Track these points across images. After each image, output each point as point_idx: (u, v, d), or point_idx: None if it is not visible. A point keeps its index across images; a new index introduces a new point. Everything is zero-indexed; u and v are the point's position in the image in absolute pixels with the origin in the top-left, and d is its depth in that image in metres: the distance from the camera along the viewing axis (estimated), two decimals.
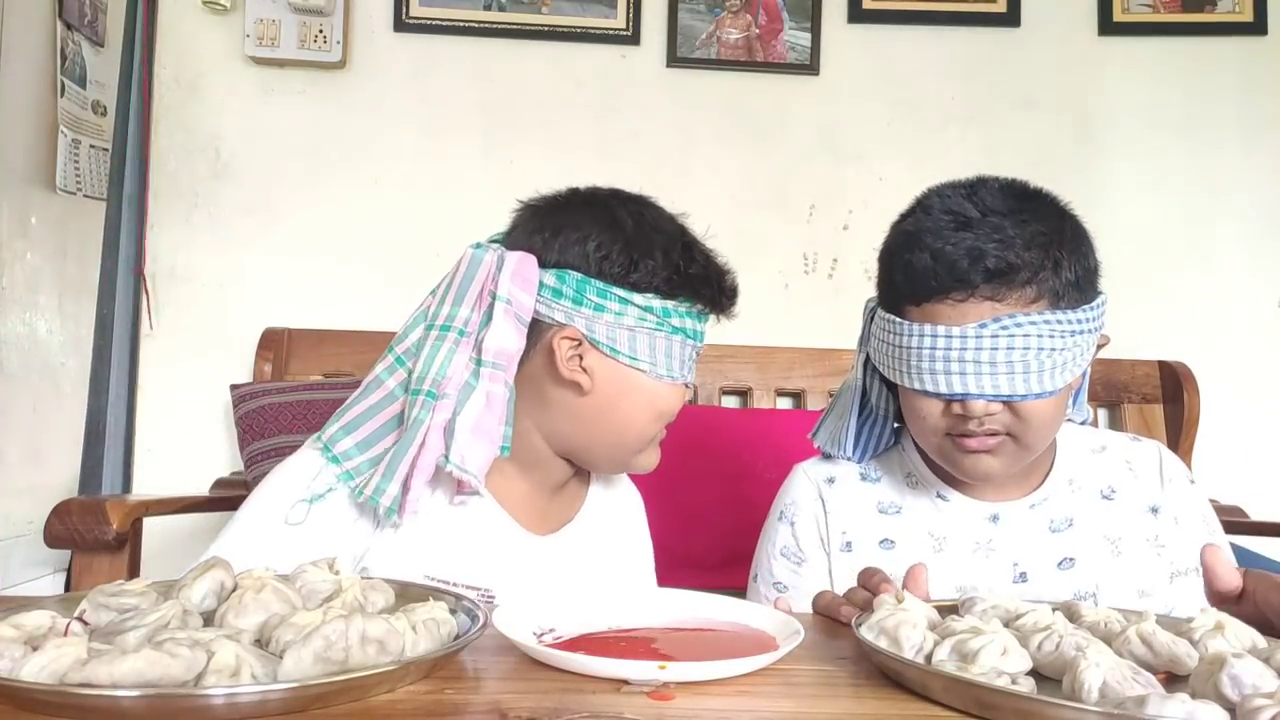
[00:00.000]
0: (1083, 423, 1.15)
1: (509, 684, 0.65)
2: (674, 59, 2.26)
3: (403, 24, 2.23)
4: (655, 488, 1.22)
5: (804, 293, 2.26)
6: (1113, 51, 2.30)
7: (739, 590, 1.17)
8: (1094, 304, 0.99)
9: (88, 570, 1.49)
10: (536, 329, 1.00)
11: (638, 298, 0.99)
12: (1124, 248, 2.13)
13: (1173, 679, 0.67)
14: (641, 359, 1.00)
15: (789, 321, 2.18)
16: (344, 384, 1.92)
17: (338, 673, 0.59)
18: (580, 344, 0.99)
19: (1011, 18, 2.28)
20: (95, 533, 1.46)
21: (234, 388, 1.93)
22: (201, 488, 1.97)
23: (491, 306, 0.97)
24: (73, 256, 1.98)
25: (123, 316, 2.10)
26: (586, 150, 2.25)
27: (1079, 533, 1.07)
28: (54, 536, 1.47)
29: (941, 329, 0.96)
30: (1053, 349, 0.95)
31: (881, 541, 1.10)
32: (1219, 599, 0.85)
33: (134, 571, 1.55)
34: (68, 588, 1.86)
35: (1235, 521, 1.93)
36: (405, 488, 0.94)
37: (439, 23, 2.24)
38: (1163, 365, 2.19)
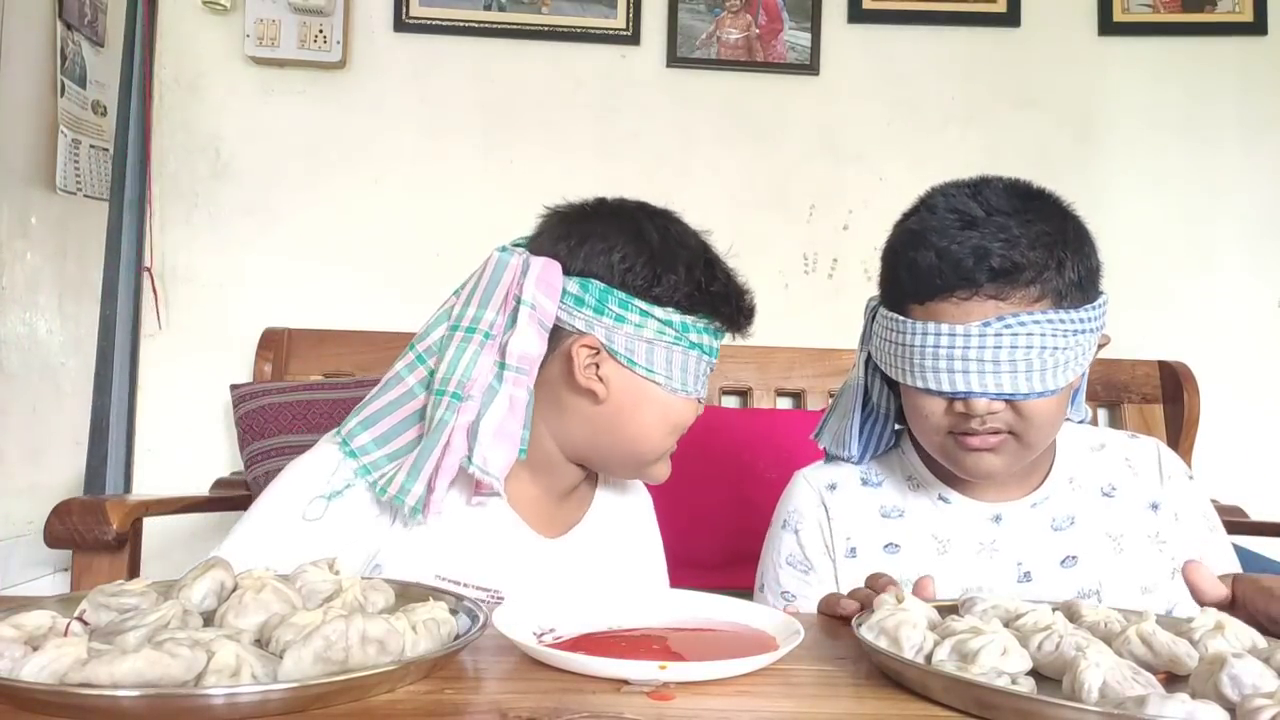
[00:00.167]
0: (1081, 422, 1.15)
1: (509, 684, 0.65)
2: (674, 59, 2.26)
3: (403, 24, 2.23)
4: (655, 488, 1.23)
5: (804, 293, 2.26)
6: (1113, 51, 2.30)
7: (739, 590, 1.16)
8: (1096, 304, 0.99)
9: (88, 570, 1.49)
10: (556, 335, 1.01)
11: (658, 311, 1.00)
12: (1124, 248, 2.12)
13: (1173, 679, 0.67)
14: (658, 371, 1.00)
15: (789, 321, 2.17)
16: (344, 384, 1.92)
17: (338, 673, 0.59)
18: (598, 353, 1.00)
19: (1011, 18, 2.28)
20: (95, 533, 1.47)
21: (234, 388, 1.93)
22: (201, 488, 1.97)
23: (516, 310, 0.98)
24: (73, 256, 1.98)
25: (124, 316, 2.10)
26: (586, 150, 2.24)
27: (1081, 531, 1.07)
28: (54, 536, 1.48)
29: (945, 327, 0.96)
30: (1055, 348, 0.95)
31: (886, 546, 1.10)
32: None
33: (134, 571, 1.55)
34: (74, 587, 1.86)
35: (1235, 521, 1.93)
36: (430, 487, 0.95)
37: (439, 23, 2.24)
38: (1163, 365, 2.19)
